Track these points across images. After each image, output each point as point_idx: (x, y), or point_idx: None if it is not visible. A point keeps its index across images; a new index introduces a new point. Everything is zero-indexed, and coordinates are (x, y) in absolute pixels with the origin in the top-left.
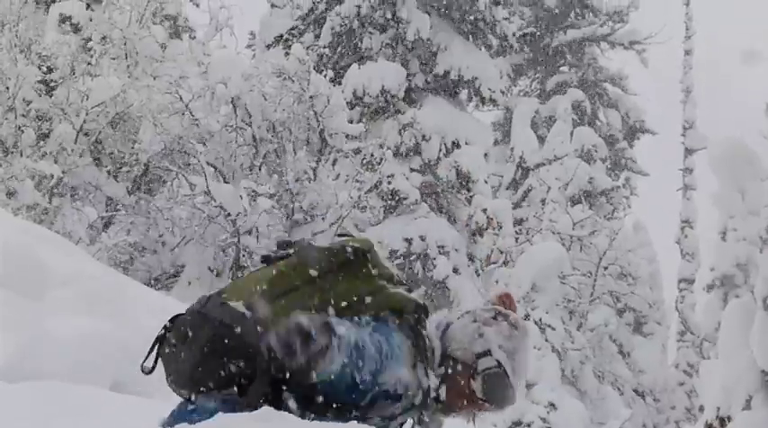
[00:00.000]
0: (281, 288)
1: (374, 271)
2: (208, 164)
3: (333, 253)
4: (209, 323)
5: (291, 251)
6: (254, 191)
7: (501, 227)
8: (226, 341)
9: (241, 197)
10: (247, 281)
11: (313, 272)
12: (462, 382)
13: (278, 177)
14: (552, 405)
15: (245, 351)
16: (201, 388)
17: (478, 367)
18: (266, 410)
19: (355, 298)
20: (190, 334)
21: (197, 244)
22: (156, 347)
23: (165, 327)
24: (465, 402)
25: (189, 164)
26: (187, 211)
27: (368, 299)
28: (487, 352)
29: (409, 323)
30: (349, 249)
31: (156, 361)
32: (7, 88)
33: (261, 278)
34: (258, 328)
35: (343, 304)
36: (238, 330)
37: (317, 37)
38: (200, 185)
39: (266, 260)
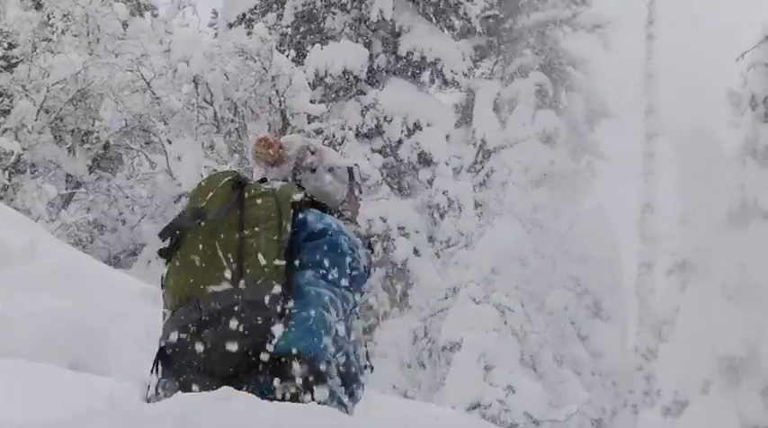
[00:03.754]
0: None
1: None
2: (169, 142)
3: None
4: None
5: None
6: (214, 170)
7: (462, 209)
8: None
9: (201, 176)
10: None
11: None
12: (352, 197)
13: (239, 156)
14: (510, 387)
15: None
16: None
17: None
18: (226, 389)
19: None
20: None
21: (157, 222)
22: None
23: None
24: (355, 205)
25: (150, 143)
26: (147, 190)
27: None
28: (340, 168)
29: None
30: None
31: None
32: None
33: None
34: None
35: None
36: None
37: (280, 17)
38: (161, 164)
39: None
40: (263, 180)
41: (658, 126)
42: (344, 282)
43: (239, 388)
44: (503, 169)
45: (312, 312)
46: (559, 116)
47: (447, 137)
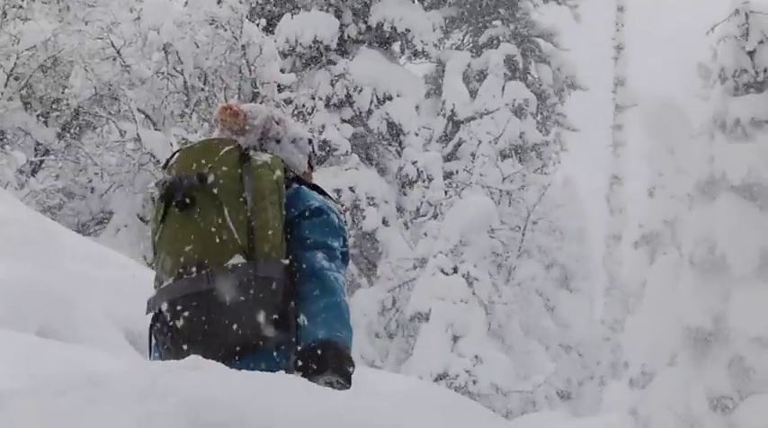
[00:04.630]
0: None
1: None
2: (138, 110)
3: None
4: None
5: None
6: (184, 138)
7: (431, 180)
8: None
9: (171, 144)
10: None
11: None
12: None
13: (209, 125)
14: (478, 358)
15: None
16: None
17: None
18: (194, 358)
19: None
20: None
21: (126, 190)
22: None
23: None
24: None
25: (119, 111)
26: (117, 158)
27: None
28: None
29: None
30: None
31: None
32: None
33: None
34: None
35: None
36: None
37: None
38: (131, 132)
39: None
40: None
41: (628, 98)
42: (342, 262)
43: (242, 366)
44: (472, 140)
45: (338, 299)
46: (529, 87)
47: (417, 107)
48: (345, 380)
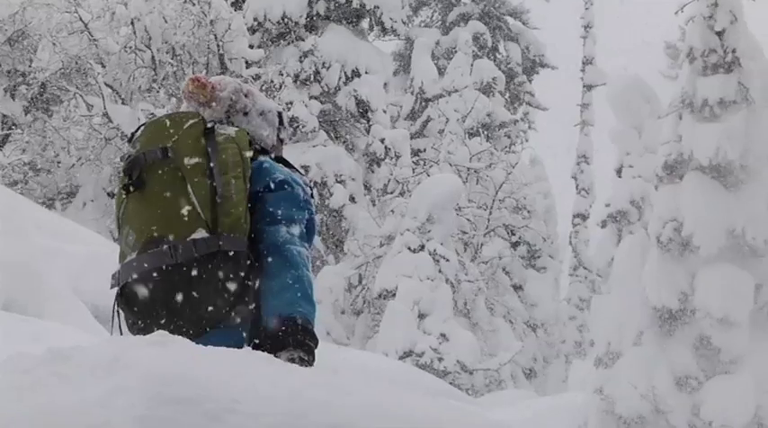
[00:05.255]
0: None
1: None
2: (106, 85)
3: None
4: None
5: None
6: (151, 113)
7: (398, 157)
8: None
9: (138, 119)
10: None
11: None
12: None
13: (176, 100)
14: (444, 336)
15: None
16: None
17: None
18: (160, 333)
19: None
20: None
21: (93, 165)
22: None
23: None
24: (280, 150)
25: (87, 85)
26: (84, 132)
27: None
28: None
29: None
30: None
31: None
32: None
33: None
34: None
35: None
36: None
37: None
38: (98, 106)
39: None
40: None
41: (596, 77)
42: (308, 235)
43: (207, 342)
44: (440, 118)
45: (300, 273)
46: (497, 66)
47: (385, 85)
48: (308, 356)
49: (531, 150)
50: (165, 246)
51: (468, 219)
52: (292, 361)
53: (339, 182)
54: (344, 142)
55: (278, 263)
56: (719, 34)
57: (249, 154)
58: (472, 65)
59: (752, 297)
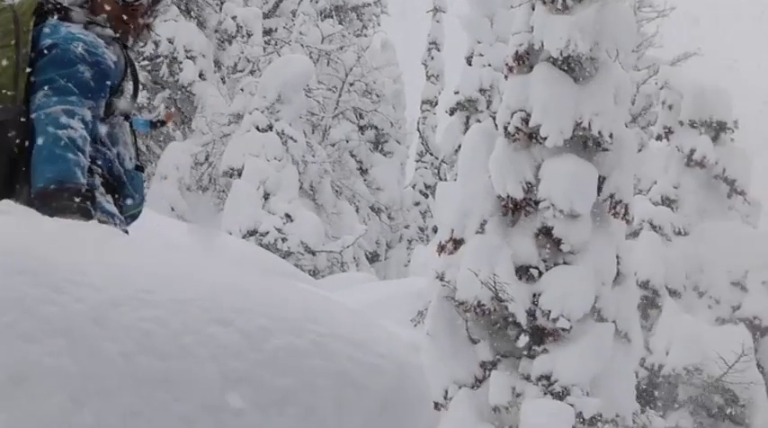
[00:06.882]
0: None
1: None
2: None
3: None
4: None
5: None
6: None
7: (250, 36)
8: None
9: None
10: None
11: None
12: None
13: None
14: (288, 216)
15: None
16: None
17: None
18: (6, 202)
19: None
20: None
21: None
22: None
23: None
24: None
25: None
26: None
27: None
28: None
29: None
30: None
31: None
32: None
33: None
34: None
35: None
36: None
37: None
38: None
39: None
40: None
41: None
42: (83, 88)
43: None
44: None
45: (42, 140)
46: None
47: None
48: (79, 217)
49: (382, 34)
50: None
51: (317, 101)
52: None
53: (189, 59)
54: (196, 18)
55: (35, 134)
56: None
57: (30, 20)
58: None
59: (595, 189)
